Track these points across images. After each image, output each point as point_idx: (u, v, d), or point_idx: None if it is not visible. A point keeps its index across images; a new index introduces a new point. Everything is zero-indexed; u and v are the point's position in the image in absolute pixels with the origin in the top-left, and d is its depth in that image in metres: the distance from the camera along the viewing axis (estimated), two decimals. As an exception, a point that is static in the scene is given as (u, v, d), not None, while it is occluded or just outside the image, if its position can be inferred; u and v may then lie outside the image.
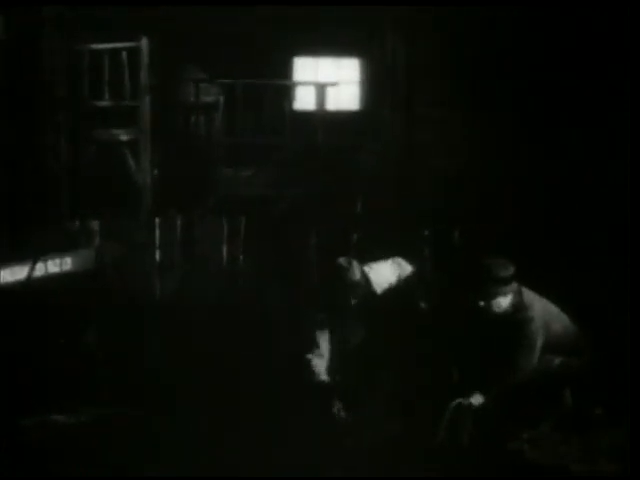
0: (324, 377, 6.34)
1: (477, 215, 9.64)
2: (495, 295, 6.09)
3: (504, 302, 6.12)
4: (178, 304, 8.79)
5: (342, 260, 6.43)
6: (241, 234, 9.21)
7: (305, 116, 10.91)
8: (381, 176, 10.54)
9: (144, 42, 9.94)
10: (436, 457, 5.87)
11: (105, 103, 10.14)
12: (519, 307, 6.15)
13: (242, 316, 8.46)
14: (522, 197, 10.06)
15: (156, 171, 10.03)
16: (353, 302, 6.38)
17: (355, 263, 6.40)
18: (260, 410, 6.61)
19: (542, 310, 6.23)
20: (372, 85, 11.55)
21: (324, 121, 10.62)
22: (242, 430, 6.30)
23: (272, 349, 7.72)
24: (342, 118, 11.27)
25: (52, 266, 7.53)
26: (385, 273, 6.55)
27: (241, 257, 9.24)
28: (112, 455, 6.00)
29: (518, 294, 6.17)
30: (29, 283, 7.36)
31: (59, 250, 7.76)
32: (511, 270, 6.13)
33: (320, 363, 6.38)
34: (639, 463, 5.26)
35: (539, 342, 6.11)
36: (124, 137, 10.11)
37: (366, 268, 6.51)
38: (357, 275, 6.35)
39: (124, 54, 9.99)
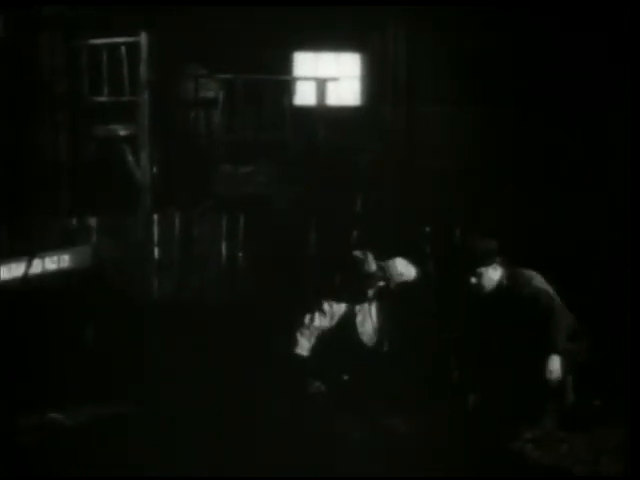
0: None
1: (478, 213, 9.60)
2: (484, 269, 6.26)
3: (494, 275, 6.31)
4: (176, 302, 8.78)
5: (358, 253, 6.61)
6: (240, 232, 9.17)
7: (305, 111, 10.82)
8: (382, 173, 10.49)
9: (143, 37, 9.86)
10: (438, 457, 5.85)
11: (104, 99, 10.06)
12: (518, 279, 6.31)
13: (241, 315, 8.42)
14: (523, 195, 10.00)
15: (155, 168, 9.95)
16: (369, 292, 6.66)
17: (370, 256, 6.58)
18: (259, 409, 6.61)
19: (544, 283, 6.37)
20: (373, 80, 11.48)
21: (324, 117, 10.53)
22: (242, 429, 6.28)
23: (271, 348, 7.65)
24: (343, 114, 11.19)
25: (49, 263, 7.48)
26: (397, 268, 6.79)
27: (240, 255, 9.19)
28: (110, 456, 5.95)
29: (509, 266, 6.35)
30: (26, 280, 7.30)
31: (57, 247, 7.71)
32: (493, 244, 6.36)
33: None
34: (639, 463, 5.25)
35: (559, 307, 6.20)
36: (123, 133, 10.03)
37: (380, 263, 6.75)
38: (373, 267, 6.57)
39: (123, 49, 9.91)
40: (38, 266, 7.44)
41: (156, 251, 9.05)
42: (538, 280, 6.36)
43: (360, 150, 10.58)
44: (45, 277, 7.52)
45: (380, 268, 6.69)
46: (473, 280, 6.31)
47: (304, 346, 6.72)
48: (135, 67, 9.91)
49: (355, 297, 6.70)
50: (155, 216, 9.16)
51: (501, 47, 10.36)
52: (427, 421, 6.27)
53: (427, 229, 8.94)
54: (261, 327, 8.11)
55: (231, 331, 8.11)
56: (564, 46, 10.15)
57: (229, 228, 9.20)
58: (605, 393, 6.45)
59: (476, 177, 10.16)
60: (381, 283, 6.69)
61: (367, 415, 6.40)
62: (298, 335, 6.73)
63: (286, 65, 11.49)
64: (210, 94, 10.59)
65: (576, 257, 8.97)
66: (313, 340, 6.70)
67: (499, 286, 6.33)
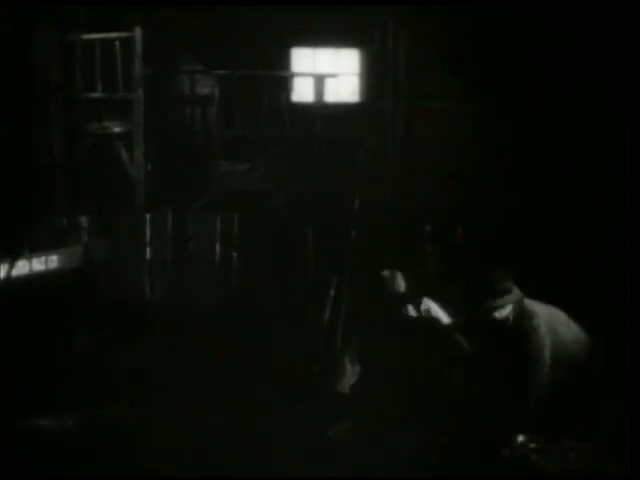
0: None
1: (479, 211, 9.47)
2: (495, 308, 5.97)
3: (504, 313, 6.01)
4: (169, 303, 8.68)
5: (386, 272, 6.33)
6: (235, 231, 9.06)
7: (303, 108, 10.66)
8: (380, 171, 10.34)
9: (138, 32, 9.78)
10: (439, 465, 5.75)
11: (97, 95, 9.96)
12: (522, 316, 6.02)
13: (236, 316, 8.32)
14: (525, 192, 9.86)
15: (150, 165, 9.83)
16: (397, 313, 6.30)
17: (399, 275, 6.31)
18: (255, 410, 6.52)
19: (548, 316, 6.07)
20: (372, 77, 11.32)
21: (323, 113, 10.38)
22: (237, 430, 6.20)
23: (267, 349, 7.61)
24: (341, 111, 11.03)
25: (37, 264, 7.30)
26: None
27: (235, 255, 9.05)
28: (104, 461, 5.82)
29: (519, 303, 6.05)
30: (8, 282, 7.12)
31: (48, 247, 7.55)
32: (508, 281, 6.03)
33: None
34: (639, 463, 5.18)
35: (546, 352, 5.93)
36: (117, 130, 9.95)
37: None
38: (402, 286, 6.28)
39: (117, 44, 9.82)
40: (25, 267, 7.25)
41: (148, 251, 8.91)
42: (540, 314, 6.08)
43: (359, 147, 10.43)
44: (33, 278, 7.34)
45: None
46: (482, 316, 6.02)
47: (345, 383, 6.40)
48: (129, 63, 9.83)
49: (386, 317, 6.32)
50: (150, 215, 9.03)
51: (502, 43, 10.23)
52: (429, 431, 6.09)
53: (427, 228, 8.85)
54: (256, 328, 8.00)
55: (226, 331, 7.99)
56: (566, 41, 10.03)
57: (224, 227, 9.08)
58: (607, 397, 6.21)
59: (476, 174, 10.02)
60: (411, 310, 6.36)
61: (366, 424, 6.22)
62: (346, 365, 6.44)
63: (284, 61, 11.33)
64: (206, 90, 10.51)
65: (576, 254, 8.87)
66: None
67: (505, 323, 6.03)
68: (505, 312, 6.01)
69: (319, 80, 10.51)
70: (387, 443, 6.01)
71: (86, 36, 9.84)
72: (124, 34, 9.80)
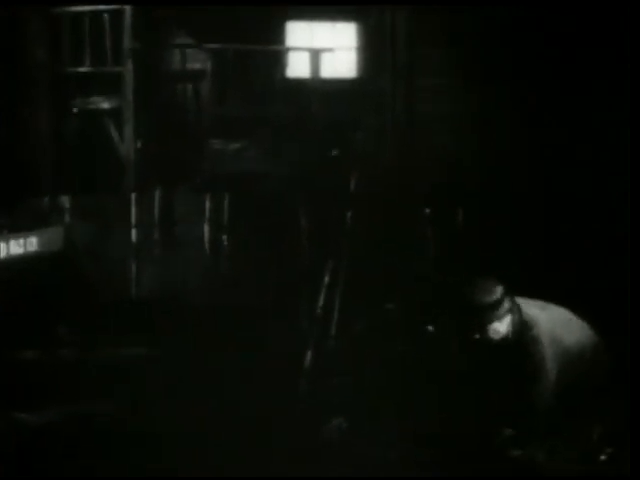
0: None
1: (481, 194, 9.31)
2: (488, 323, 5.62)
3: (501, 327, 5.66)
4: (156, 290, 8.50)
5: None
6: (226, 213, 8.83)
7: (298, 84, 10.57)
8: (378, 150, 10.14)
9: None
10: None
11: (85, 69, 9.74)
12: (521, 327, 5.70)
13: (226, 305, 8.17)
14: (527, 176, 9.69)
15: (140, 143, 9.57)
16: None
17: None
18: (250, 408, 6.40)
19: (548, 322, 5.80)
20: (370, 52, 11.18)
21: (319, 90, 10.15)
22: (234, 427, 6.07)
23: (257, 341, 7.47)
24: (338, 87, 10.96)
25: (15, 246, 7.00)
26: None
27: (225, 238, 8.83)
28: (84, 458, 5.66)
29: (517, 313, 5.71)
30: None
31: (26, 228, 7.27)
32: (498, 291, 5.66)
33: None
34: (639, 463, 5.10)
35: (548, 364, 5.67)
36: (105, 106, 9.73)
37: None
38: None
39: (106, 17, 9.57)
40: (2, 250, 6.96)
41: (135, 233, 8.69)
42: (540, 322, 5.77)
43: (356, 126, 10.21)
44: (10, 262, 7.05)
45: None
46: (477, 336, 5.63)
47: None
48: (118, 35, 9.57)
49: None
50: (136, 195, 8.83)
51: (506, 18, 10.04)
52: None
53: (427, 210, 8.67)
54: (248, 319, 7.87)
55: (215, 323, 7.83)
56: (569, 24, 9.82)
57: (214, 209, 8.87)
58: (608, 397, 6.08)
59: (480, 155, 9.85)
60: None
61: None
62: None
63: (278, 35, 11.19)
64: (198, 65, 10.36)
65: (576, 254, 8.76)
66: None
67: (506, 338, 5.68)
68: (503, 328, 5.68)
69: (315, 55, 10.26)
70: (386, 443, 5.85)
71: (73, 8, 9.59)
72: (113, 6, 9.53)
